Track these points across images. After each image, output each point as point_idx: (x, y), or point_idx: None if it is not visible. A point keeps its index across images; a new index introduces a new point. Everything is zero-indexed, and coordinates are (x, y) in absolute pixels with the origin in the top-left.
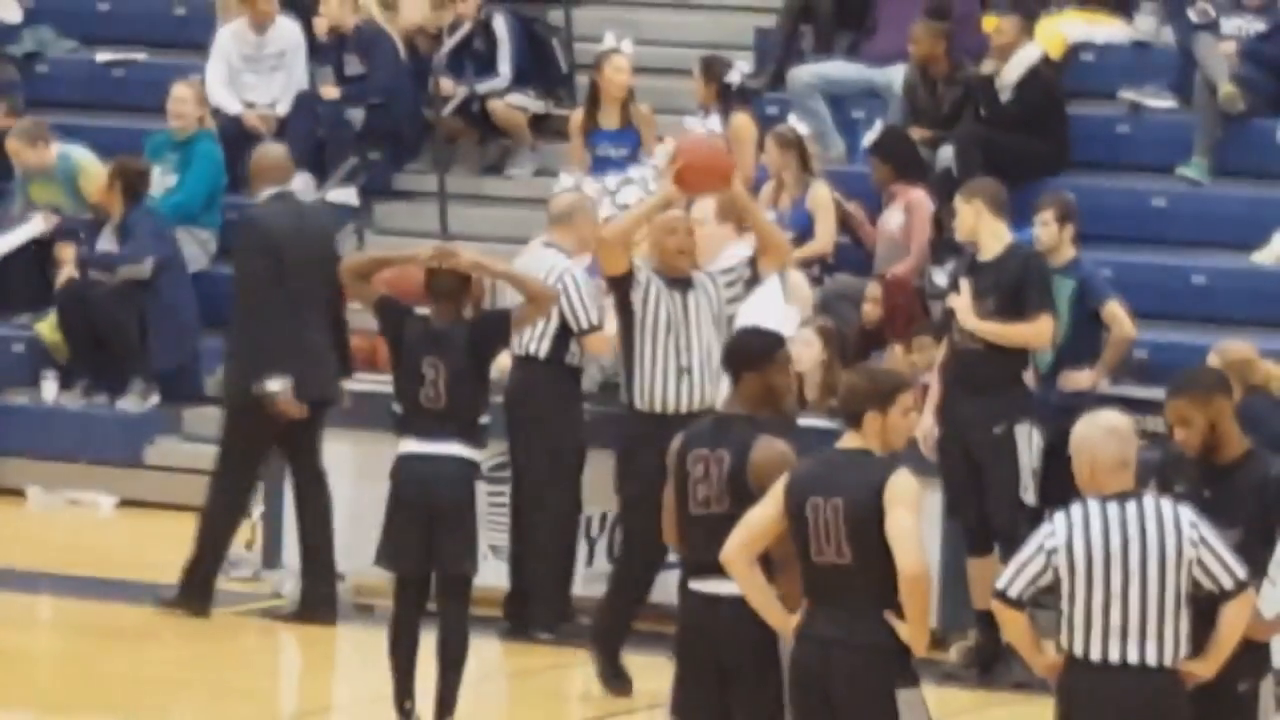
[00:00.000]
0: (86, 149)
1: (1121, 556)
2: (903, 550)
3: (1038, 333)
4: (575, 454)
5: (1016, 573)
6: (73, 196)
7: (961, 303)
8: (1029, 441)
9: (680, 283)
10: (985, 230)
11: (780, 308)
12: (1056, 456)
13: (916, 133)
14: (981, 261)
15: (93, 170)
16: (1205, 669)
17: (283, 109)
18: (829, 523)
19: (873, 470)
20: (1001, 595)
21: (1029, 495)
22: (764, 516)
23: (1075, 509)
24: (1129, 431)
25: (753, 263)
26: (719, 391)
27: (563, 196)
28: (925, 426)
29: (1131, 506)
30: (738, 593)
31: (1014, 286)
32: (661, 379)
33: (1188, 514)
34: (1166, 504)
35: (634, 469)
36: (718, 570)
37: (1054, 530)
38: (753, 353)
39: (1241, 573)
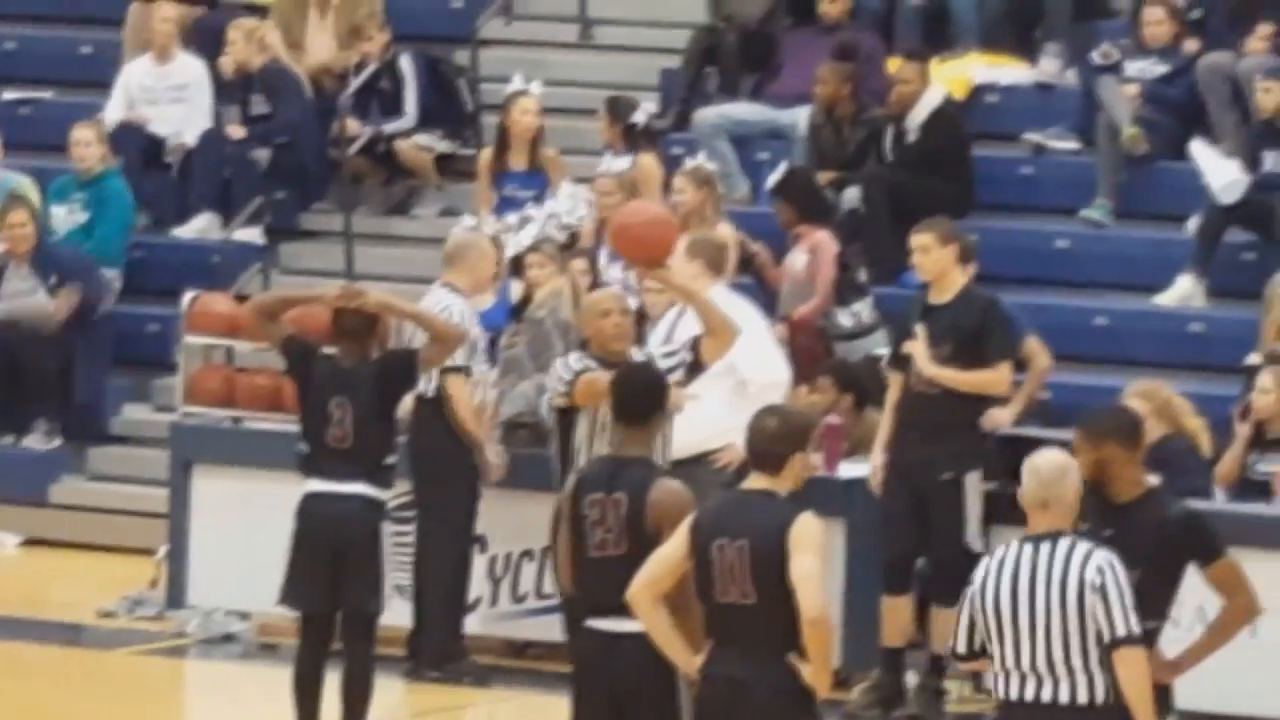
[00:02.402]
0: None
1: (1029, 597)
2: (805, 594)
3: (997, 380)
4: (467, 493)
5: (957, 627)
6: None
7: (919, 349)
8: (977, 490)
9: (617, 366)
10: (951, 274)
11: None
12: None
13: (823, 176)
14: (935, 305)
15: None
16: None
17: (190, 139)
18: (734, 564)
19: (778, 512)
20: (959, 657)
21: (976, 543)
22: (668, 556)
23: (998, 551)
24: (1051, 471)
25: (695, 346)
26: None
27: (455, 235)
28: (875, 463)
29: (1045, 547)
30: (638, 630)
31: (974, 332)
32: None
33: (1100, 558)
34: (1082, 546)
35: None
36: (616, 610)
37: (975, 573)
38: (647, 394)
39: (1126, 627)
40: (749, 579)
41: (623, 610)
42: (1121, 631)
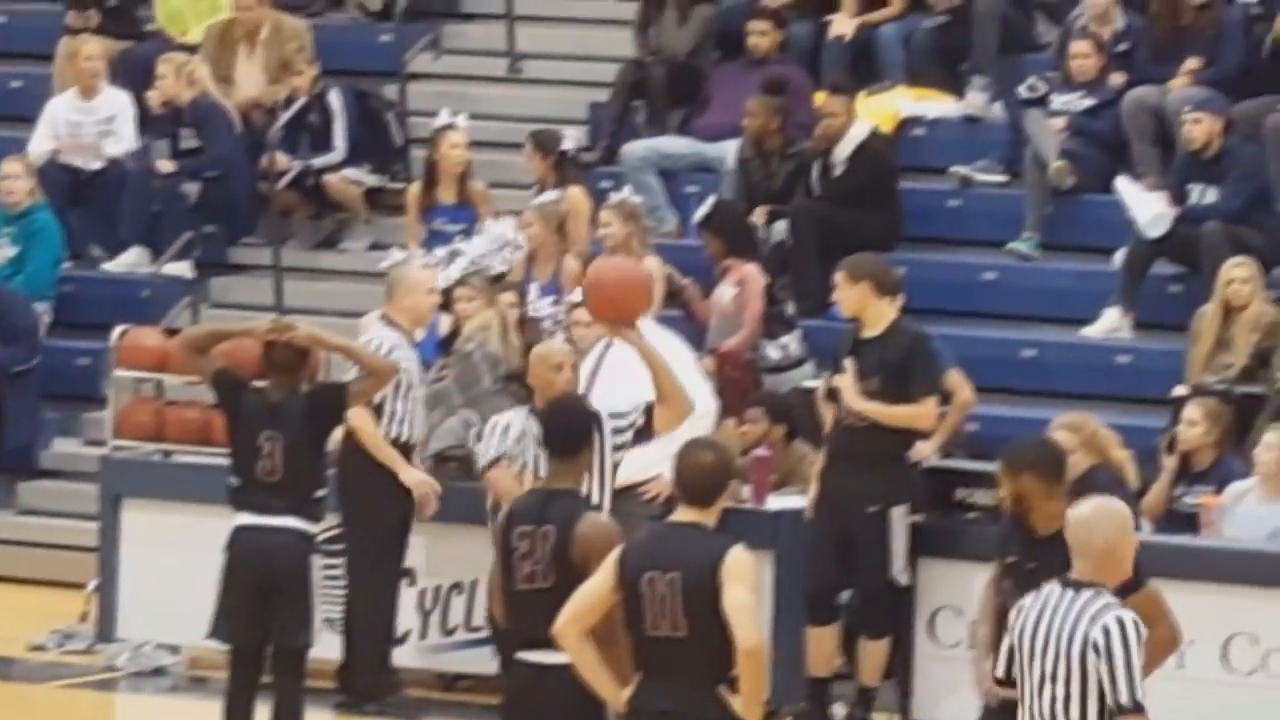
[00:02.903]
0: None
1: (1043, 642)
2: (741, 626)
3: (922, 415)
4: (397, 526)
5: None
6: None
7: (846, 382)
8: (903, 523)
9: None
10: (871, 309)
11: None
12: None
13: (752, 209)
14: (864, 339)
15: None
16: None
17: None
18: (665, 596)
19: (710, 545)
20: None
21: (902, 576)
22: (595, 590)
23: (1044, 586)
24: (1078, 519)
25: (649, 411)
26: None
27: (395, 269)
28: (812, 495)
29: (1070, 594)
30: (566, 662)
31: (900, 366)
32: None
33: (1110, 618)
34: (1100, 601)
35: None
36: (545, 643)
37: (1019, 606)
38: (576, 427)
39: (1130, 696)
40: (680, 611)
41: (551, 643)
42: (1125, 700)
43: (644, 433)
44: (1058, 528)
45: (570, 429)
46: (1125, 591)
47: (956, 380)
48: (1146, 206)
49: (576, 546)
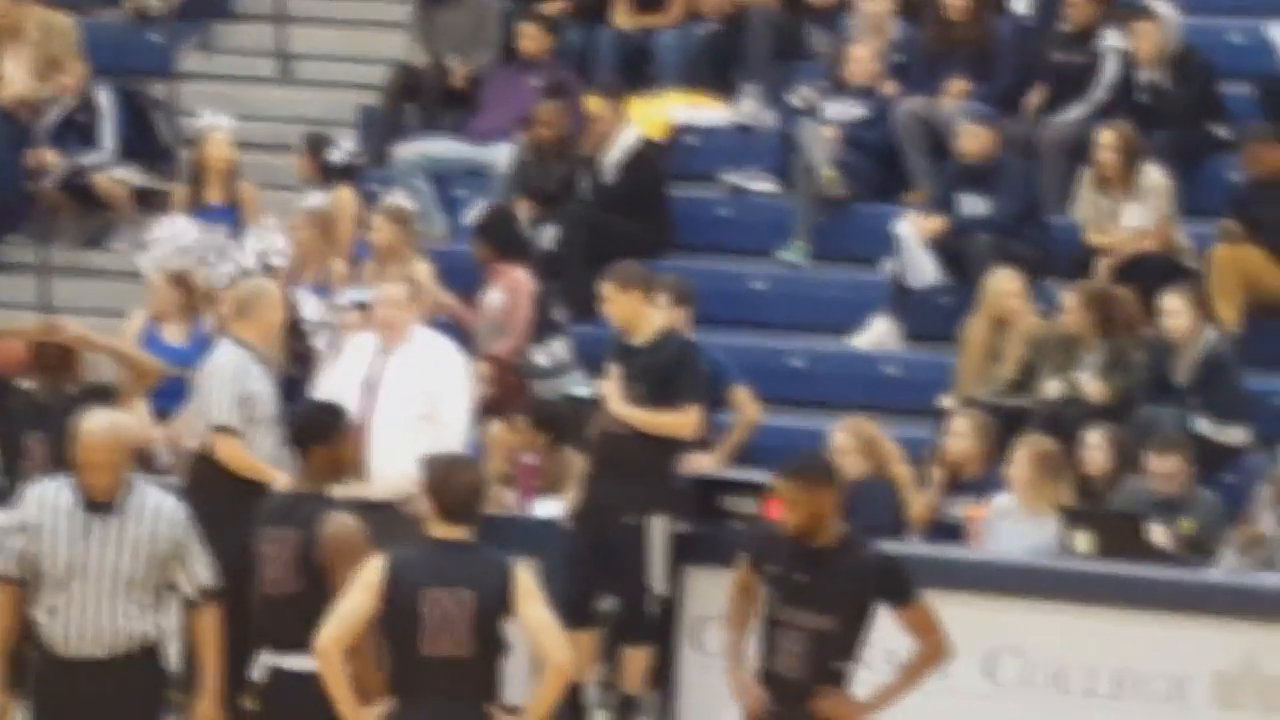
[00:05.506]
0: None
1: None
2: (553, 646)
3: (684, 423)
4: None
5: None
6: None
7: (610, 387)
8: (663, 533)
9: None
10: (639, 317)
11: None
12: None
13: (524, 212)
14: (632, 346)
15: None
16: None
17: None
18: (452, 615)
19: (493, 563)
20: None
21: (659, 585)
22: (360, 609)
23: None
24: None
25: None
26: None
27: (245, 285)
28: (574, 502)
29: None
30: (310, 669)
31: (667, 375)
32: None
33: None
34: None
35: None
36: (291, 647)
37: None
38: (319, 426)
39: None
40: (468, 632)
41: (296, 647)
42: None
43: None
44: (833, 539)
45: (315, 427)
46: (898, 603)
47: (742, 397)
48: (919, 264)
49: (321, 548)
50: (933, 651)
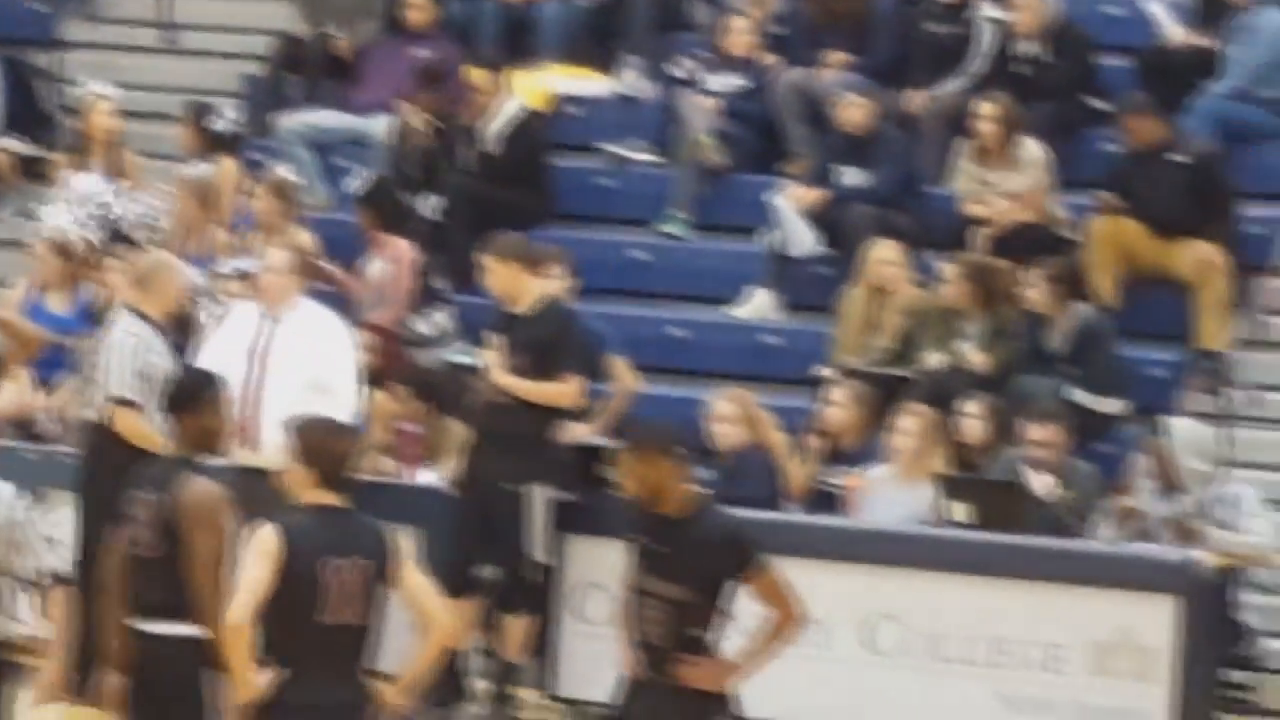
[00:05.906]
0: None
1: None
2: (434, 606)
3: (565, 393)
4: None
5: None
6: None
7: (492, 357)
8: (543, 501)
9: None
10: (519, 288)
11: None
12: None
13: (407, 184)
14: (514, 315)
15: None
16: None
17: None
18: (353, 584)
19: (375, 530)
20: None
21: (539, 553)
22: (262, 579)
23: None
24: None
25: None
26: None
27: (146, 258)
28: (457, 471)
29: None
30: (181, 634)
31: (549, 345)
32: None
33: None
34: None
35: None
36: (158, 613)
37: None
38: (189, 394)
39: None
40: (362, 599)
41: (161, 612)
42: None
43: None
44: (687, 509)
45: (184, 394)
46: (745, 572)
47: (620, 368)
48: (797, 233)
49: (182, 513)
50: (784, 619)
